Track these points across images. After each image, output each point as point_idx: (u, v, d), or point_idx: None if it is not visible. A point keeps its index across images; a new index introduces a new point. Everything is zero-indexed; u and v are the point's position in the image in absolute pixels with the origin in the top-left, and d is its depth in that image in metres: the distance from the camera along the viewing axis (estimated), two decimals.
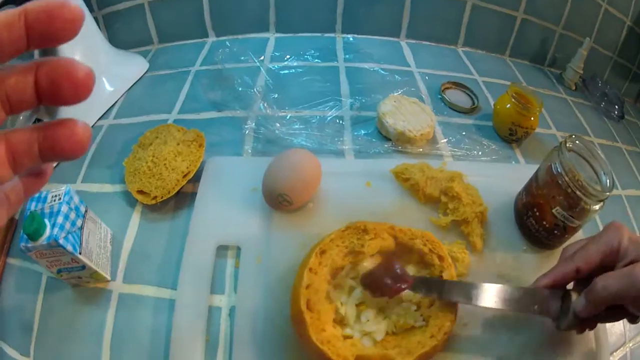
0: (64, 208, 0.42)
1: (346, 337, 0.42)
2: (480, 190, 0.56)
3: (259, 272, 0.49)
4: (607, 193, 0.46)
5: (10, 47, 0.17)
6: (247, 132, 0.65)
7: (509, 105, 0.68)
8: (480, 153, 0.66)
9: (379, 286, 0.42)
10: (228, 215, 0.53)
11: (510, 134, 0.69)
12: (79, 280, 0.48)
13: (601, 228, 0.61)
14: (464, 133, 0.69)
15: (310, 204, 0.54)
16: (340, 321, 0.43)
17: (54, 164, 0.19)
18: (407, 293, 0.44)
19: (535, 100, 0.68)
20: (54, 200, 0.43)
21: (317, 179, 0.52)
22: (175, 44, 0.87)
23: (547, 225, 0.51)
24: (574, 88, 0.91)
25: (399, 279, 0.42)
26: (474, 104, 0.76)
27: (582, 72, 0.89)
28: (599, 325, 0.47)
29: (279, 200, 0.50)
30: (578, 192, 0.46)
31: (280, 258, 0.49)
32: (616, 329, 0.52)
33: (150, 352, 0.46)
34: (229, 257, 0.52)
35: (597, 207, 0.47)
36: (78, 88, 0.17)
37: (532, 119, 0.68)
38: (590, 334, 0.47)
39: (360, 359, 0.39)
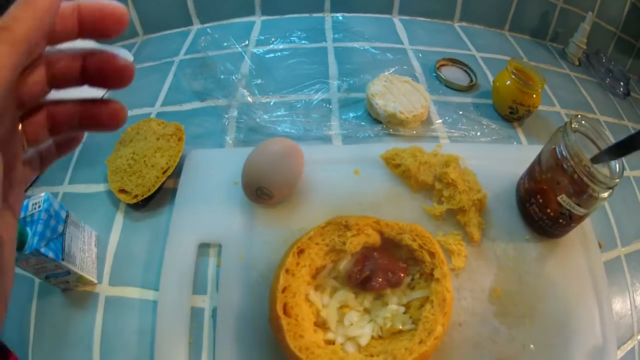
0: (44, 215, 0.42)
1: (328, 342, 0.39)
2: (479, 174, 0.52)
3: (240, 270, 0.46)
4: (617, 180, 0.42)
5: (63, 36, 0.20)
6: (227, 122, 0.61)
7: (509, 82, 0.64)
8: (479, 133, 0.63)
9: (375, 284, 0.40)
10: (209, 211, 0.51)
11: (511, 113, 0.65)
12: (67, 285, 0.47)
13: (611, 215, 0.58)
14: (461, 112, 0.65)
15: (294, 196, 0.51)
16: (322, 324, 0.40)
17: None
18: (393, 294, 0.41)
19: (537, 76, 0.64)
20: (35, 209, 0.43)
21: (299, 169, 0.49)
22: (160, 34, 0.83)
23: (551, 214, 0.47)
24: (577, 63, 0.86)
25: (398, 270, 0.40)
26: (471, 81, 0.72)
27: (585, 47, 0.85)
28: (606, 318, 0.44)
29: (259, 194, 0.47)
30: (585, 179, 0.42)
31: (262, 255, 0.47)
32: (625, 321, 0.48)
33: (137, 355, 0.45)
34: (211, 256, 0.50)
35: (605, 194, 0.43)
36: (122, 73, 0.21)
37: (534, 96, 0.63)
38: (596, 328, 0.44)
39: None
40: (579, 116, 0.46)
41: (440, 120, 0.63)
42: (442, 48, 0.78)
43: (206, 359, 0.44)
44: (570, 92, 0.77)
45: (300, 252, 0.41)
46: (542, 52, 0.87)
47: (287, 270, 0.39)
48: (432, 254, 0.41)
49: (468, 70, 0.74)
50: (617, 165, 0.43)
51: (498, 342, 0.42)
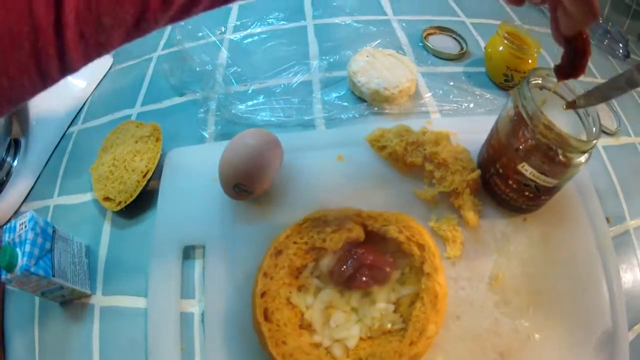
0: (30, 235, 0.43)
1: (315, 346, 0.37)
2: (474, 150, 0.48)
3: (225, 272, 0.45)
4: (594, 141, 0.35)
5: None
6: (202, 115, 0.59)
7: (501, 48, 0.60)
8: (472, 105, 0.59)
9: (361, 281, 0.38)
10: (191, 212, 0.49)
11: (506, 80, 0.61)
12: (63, 298, 0.48)
13: (618, 186, 0.53)
14: (452, 83, 0.61)
15: (275, 189, 0.48)
16: (308, 326, 0.38)
17: None
18: (381, 291, 0.39)
19: (531, 40, 0.60)
20: (22, 229, 0.44)
21: (276, 161, 0.46)
22: None
23: (513, 185, 0.42)
24: None
25: (385, 265, 0.38)
26: (462, 49, 0.68)
27: None
28: (617, 301, 0.41)
29: (237, 191, 0.45)
30: (547, 141, 0.35)
31: (246, 255, 0.45)
32: (635, 302, 0.45)
33: None
34: (197, 258, 0.48)
35: (582, 159, 0.37)
36: None
37: (530, 61, 0.59)
38: (606, 311, 0.41)
39: None
40: (540, 70, 0.39)
41: (430, 94, 0.60)
42: (429, 16, 0.73)
43: None
44: None
45: (278, 253, 0.39)
46: (535, 14, 0.81)
47: (265, 274, 0.37)
48: (421, 247, 0.38)
49: (457, 38, 0.69)
50: (595, 125, 0.37)
51: (500, 333, 0.39)
